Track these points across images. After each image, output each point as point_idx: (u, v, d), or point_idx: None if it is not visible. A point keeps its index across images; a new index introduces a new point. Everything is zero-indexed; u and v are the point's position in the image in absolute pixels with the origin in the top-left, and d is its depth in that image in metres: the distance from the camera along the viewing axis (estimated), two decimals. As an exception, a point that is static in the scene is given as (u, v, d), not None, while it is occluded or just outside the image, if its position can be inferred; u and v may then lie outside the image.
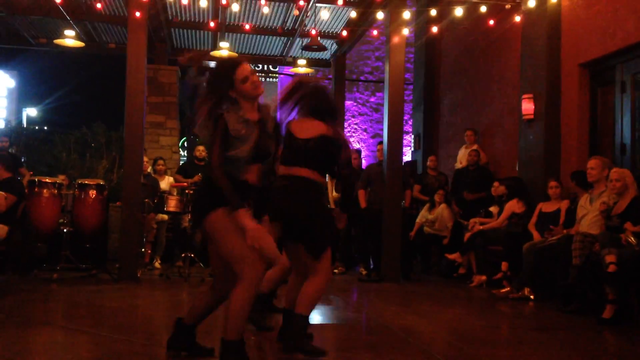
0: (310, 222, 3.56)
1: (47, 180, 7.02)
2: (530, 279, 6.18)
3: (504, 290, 6.41)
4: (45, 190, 6.84)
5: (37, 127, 17.95)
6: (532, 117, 7.54)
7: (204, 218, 3.19)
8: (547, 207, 6.76)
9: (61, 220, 7.14)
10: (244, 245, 3.04)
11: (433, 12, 8.09)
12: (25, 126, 16.79)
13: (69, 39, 9.20)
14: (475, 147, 8.78)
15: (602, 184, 5.84)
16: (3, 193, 5.25)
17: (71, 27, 9.44)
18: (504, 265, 6.76)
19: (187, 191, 7.38)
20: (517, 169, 7.98)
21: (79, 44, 9.52)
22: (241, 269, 3.07)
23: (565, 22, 7.40)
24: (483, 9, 7.87)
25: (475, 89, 9.72)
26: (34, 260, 7.01)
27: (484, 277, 7.09)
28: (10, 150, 10.31)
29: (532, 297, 6.15)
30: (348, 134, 14.92)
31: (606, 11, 6.73)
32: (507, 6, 7.87)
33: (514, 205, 7.22)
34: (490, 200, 7.92)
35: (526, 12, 7.72)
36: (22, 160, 10.67)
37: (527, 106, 7.55)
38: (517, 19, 7.91)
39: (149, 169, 8.43)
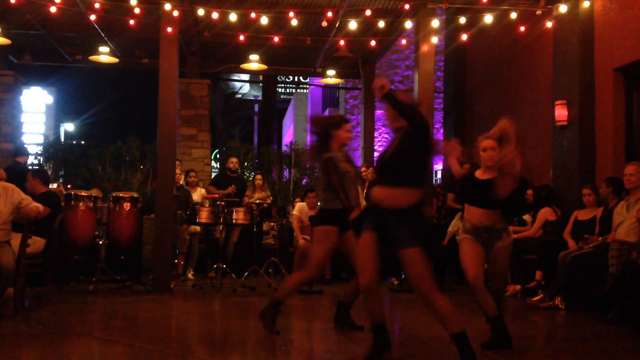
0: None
1: (83, 193, 7.18)
2: (563, 288, 6.04)
3: (536, 298, 6.29)
4: (81, 204, 6.99)
5: (74, 142, 18.38)
6: (565, 123, 7.42)
7: None
8: (582, 214, 6.63)
9: (97, 233, 7.29)
10: None
11: (462, 20, 8.03)
12: (62, 141, 17.19)
13: (104, 55, 9.44)
14: (507, 154, 8.66)
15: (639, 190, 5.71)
16: (41, 206, 5.38)
17: (106, 44, 9.68)
18: (539, 274, 6.65)
19: (218, 203, 7.45)
20: (550, 176, 7.85)
21: (113, 59, 9.76)
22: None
23: (598, 26, 7.28)
24: (513, 15, 7.78)
25: (507, 96, 9.60)
26: (70, 272, 7.16)
27: (518, 287, 6.97)
28: (44, 166, 10.57)
29: (562, 306, 6.02)
30: (379, 143, 14.90)
31: (640, 14, 6.60)
32: (538, 12, 7.77)
33: (546, 213, 7.10)
34: (525, 208, 7.78)
35: (558, 17, 7.62)
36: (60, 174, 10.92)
37: (560, 112, 7.44)
38: (549, 24, 7.81)
39: (182, 181, 8.54)
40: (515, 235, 7.30)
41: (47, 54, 10.91)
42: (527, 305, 6.29)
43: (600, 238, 6.02)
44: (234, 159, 9.32)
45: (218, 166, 19.74)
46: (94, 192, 7.49)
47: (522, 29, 8.04)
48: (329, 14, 7.89)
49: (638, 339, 4.74)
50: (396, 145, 3.64)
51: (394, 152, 3.63)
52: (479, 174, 4.32)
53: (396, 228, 3.53)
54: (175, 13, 7.25)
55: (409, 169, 3.55)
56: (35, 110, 18.09)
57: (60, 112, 21.62)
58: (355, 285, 4.63)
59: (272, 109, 20.72)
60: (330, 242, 4.66)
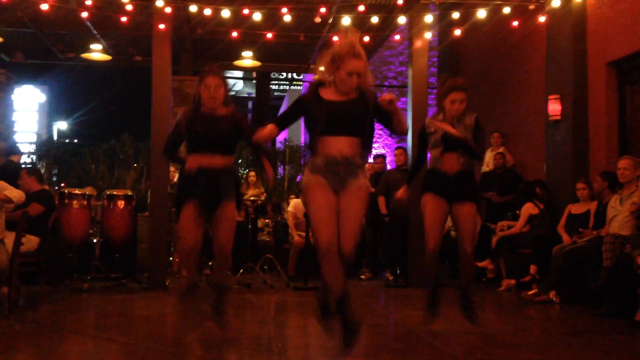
0: None
1: (77, 191, 7.16)
2: (557, 282, 6.07)
3: (531, 292, 6.32)
4: (75, 202, 6.98)
5: (67, 140, 18.31)
6: (558, 117, 7.44)
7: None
8: (576, 208, 6.65)
9: (91, 231, 7.27)
10: None
11: (455, 15, 8.03)
12: (55, 140, 17.11)
13: (96, 52, 9.40)
14: (501, 149, 8.69)
15: (633, 184, 5.74)
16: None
17: (98, 41, 9.63)
18: (533, 269, 6.68)
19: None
20: (544, 171, 7.88)
21: (105, 57, 9.72)
22: None
23: (591, 21, 7.30)
24: (506, 10, 7.79)
25: (500, 91, 9.62)
26: (65, 270, 7.13)
27: (513, 281, 7.00)
28: (37, 164, 10.53)
29: (556, 300, 6.05)
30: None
31: (633, 9, 6.62)
32: (531, 7, 7.79)
33: (529, 208, 7.17)
34: (519, 203, 7.82)
35: (550, 12, 7.63)
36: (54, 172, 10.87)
37: (554, 107, 7.46)
38: (542, 19, 7.82)
39: (175, 179, 8.52)
40: (501, 233, 7.36)
41: (39, 52, 10.87)
42: (521, 300, 6.32)
43: (594, 232, 6.05)
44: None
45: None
46: (88, 191, 7.47)
47: (515, 23, 8.05)
48: (322, 9, 7.88)
49: (631, 332, 4.76)
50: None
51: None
52: (329, 94, 3.49)
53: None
54: (168, 10, 7.22)
55: None
56: (28, 109, 17.99)
57: (53, 111, 21.52)
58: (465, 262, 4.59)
59: (266, 106, 20.70)
60: None
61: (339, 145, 3.39)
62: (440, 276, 4.68)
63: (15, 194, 5.22)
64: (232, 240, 4.22)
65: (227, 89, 4.29)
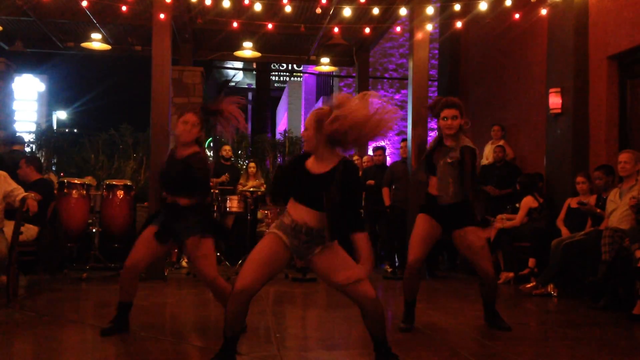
0: None
1: (76, 181, 7.15)
2: (555, 275, 6.08)
3: (529, 285, 6.33)
4: (74, 191, 6.97)
5: (66, 130, 18.29)
6: (559, 111, 7.43)
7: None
8: (575, 202, 6.65)
9: (90, 221, 7.26)
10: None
11: (457, 7, 8.00)
12: (55, 129, 17.10)
13: (96, 41, 9.36)
14: (501, 142, 8.68)
15: (633, 178, 5.73)
16: (32, 193, 5.35)
17: (98, 31, 9.60)
18: (531, 262, 6.69)
19: (212, 191, 7.43)
20: (544, 164, 7.88)
21: (105, 46, 9.69)
22: None
23: (592, 14, 7.27)
24: (508, 2, 7.76)
25: (501, 84, 9.60)
26: (64, 260, 7.14)
27: (511, 274, 7.01)
28: (36, 154, 10.51)
29: (554, 293, 6.06)
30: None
31: (634, 2, 6.60)
32: (533, -1, 7.76)
33: (529, 202, 7.17)
34: (518, 196, 7.82)
35: (552, 4, 7.60)
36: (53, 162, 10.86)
37: (554, 100, 7.44)
38: (543, 12, 7.80)
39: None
40: (500, 226, 7.36)
41: (38, 40, 10.82)
42: (520, 293, 6.32)
43: (598, 210, 6.12)
44: (228, 147, 9.30)
45: (212, 154, 19.67)
46: (87, 180, 7.46)
47: (517, 16, 8.03)
48: (323, 0, 7.84)
49: (629, 325, 4.78)
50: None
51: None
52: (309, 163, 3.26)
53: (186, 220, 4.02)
54: (168, -1, 7.19)
55: None
56: (28, 98, 17.97)
57: (52, 100, 21.52)
58: (488, 282, 4.48)
59: (266, 97, 20.71)
60: None
61: (306, 215, 3.20)
62: (417, 291, 4.55)
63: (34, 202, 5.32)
64: (213, 271, 4.00)
65: (202, 130, 4.13)
